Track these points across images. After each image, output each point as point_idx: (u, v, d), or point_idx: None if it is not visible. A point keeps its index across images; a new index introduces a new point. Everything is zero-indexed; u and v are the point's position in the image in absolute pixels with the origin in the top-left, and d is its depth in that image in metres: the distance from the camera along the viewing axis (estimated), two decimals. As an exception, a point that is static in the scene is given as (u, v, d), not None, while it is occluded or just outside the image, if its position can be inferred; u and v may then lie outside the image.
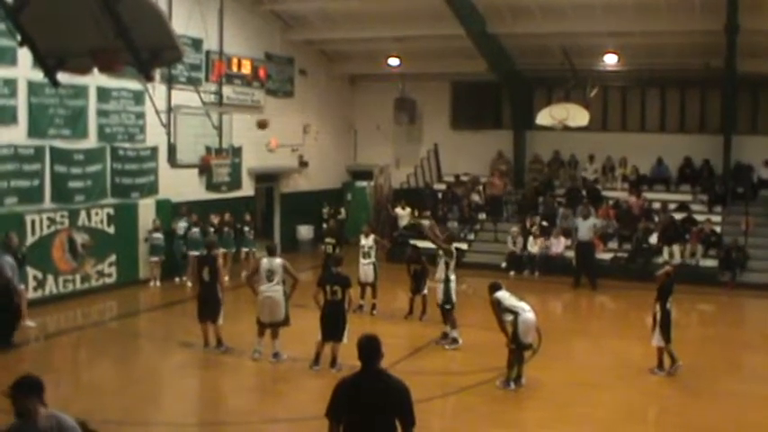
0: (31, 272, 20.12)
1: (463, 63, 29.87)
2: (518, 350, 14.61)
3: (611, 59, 28.40)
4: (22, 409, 7.04)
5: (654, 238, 25.90)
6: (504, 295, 14.81)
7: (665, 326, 15.26)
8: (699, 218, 26.82)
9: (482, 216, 30.00)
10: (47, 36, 7.56)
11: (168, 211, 24.41)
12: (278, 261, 16.27)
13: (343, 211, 32.02)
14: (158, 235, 23.64)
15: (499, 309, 14.67)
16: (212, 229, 24.15)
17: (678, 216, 27.10)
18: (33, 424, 6.98)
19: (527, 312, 14.61)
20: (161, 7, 7.99)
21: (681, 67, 27.67)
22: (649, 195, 28.56)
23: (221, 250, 21.66)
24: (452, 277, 17.47)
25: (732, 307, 23.23)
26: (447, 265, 17.49)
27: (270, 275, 16.11)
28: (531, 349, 15.26)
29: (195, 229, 24.02)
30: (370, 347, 7.79)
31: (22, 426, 7.01)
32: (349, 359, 15.54)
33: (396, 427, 7.50)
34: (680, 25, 24.86)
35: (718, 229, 26.47)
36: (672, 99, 30.52)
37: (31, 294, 19.98)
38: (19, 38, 7.72)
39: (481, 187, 30.69)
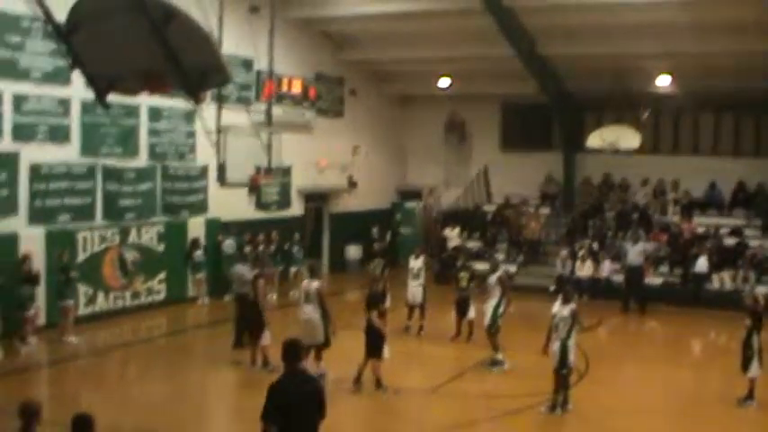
0: (81, 288, 20.35)
1: (513, 84, 29.77)
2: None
3: (663, 81, 28.10)
4: None
5: (702, 263, 25.49)
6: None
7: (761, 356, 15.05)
8: (752, 243, 26.41)
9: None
10: (97, 59, 7.65)
11: (217, 229, 24.60)
12: (315, 285, 16.16)
13: (389, 234, 31.90)
14: (200, 252, 23.81)
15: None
16: (248, 248, 24.25)
17: (730, 241, 26.72)
18: None
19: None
20: (209, 30, 8.04)
21: (735, 89, 27.31)
22: (702, 220, 28.16)
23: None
24: (502, 304, 17.37)
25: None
26: (503, 293, 17.42)
27: (307, 297, 16.08)
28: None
29: (248, 248, 24.21)
30: (292, 349, 8.69)
31: None
32: (391, 379, 15.56)
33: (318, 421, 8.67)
34: (733, 46, 24.55)
35: (772, 254, 26.03)
36: (726, 121, 30.10)
37: (81, 310, 20.25)
38: (70, 61, 7.81)
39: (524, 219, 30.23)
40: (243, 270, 18.39)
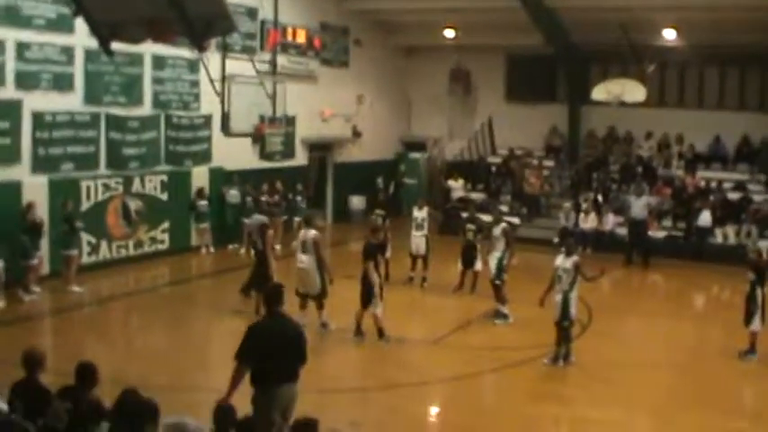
0: (85, 237, 20.36)
1: (519, 36, 29.44)
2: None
3: (669, 34, 27.89)
4: None
5: (705, 217, 25.46)
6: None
7: (764, 309, 15.05)
8: (756, 198, 26.38)
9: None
10: (101, 6, 7.60)
11: (220, 179, 24.59)
12: (311, 234, 16.16)
13: (393, 184, 31.86)
14: (203, 202, 23.81)
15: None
16: (249, 198, 24.22)
17: (734, 195, 26.69)
18: None
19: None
20: (214, -22, 7.96)
21: (741, 43, 27.10)
22: (706, 174, 28.11)
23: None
24: (506, 256, 17.39)
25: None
26: (507, 244, 17.45)
27: (303, 247, 16.08)
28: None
29: (249, 198, 24.23)
30: (274, 294, 8.95)
31: None
32: (394, 329, 15.63)
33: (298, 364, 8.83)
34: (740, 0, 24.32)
35: (776, 209, 26.00)
36: (731, 76, 29.95)
37: (84, 259, 20.29)
38: (73, 8, 7.74)
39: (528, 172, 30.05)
40: (262, 219, 18.47)
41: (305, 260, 16.02)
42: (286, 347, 8.69)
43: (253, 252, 18.05)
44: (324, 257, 16.17)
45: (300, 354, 8.82)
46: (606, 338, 16.48)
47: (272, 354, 8.55)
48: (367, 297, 15.34)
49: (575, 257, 14.44)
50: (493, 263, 17.48)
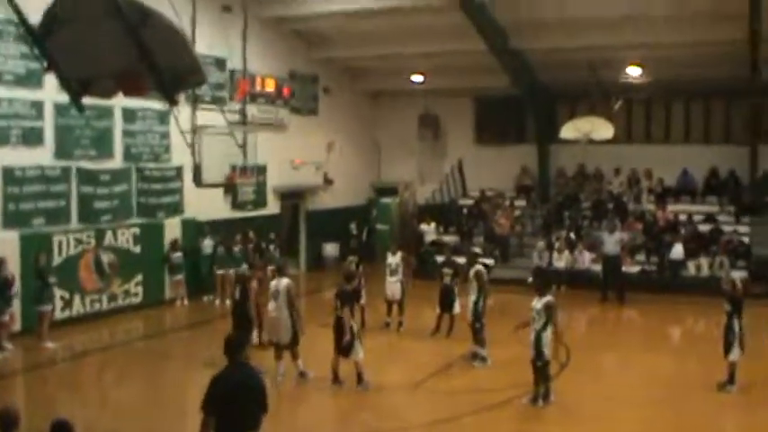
0: (58, 292, 20.19)
1: (486, 78, 29.71)
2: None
3: (634, 72, 28.28)
4: None
5: (678, 250, 25.64)
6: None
7: (743, 339, 15.10)
8: (726, 228, 26.65)
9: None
10: (72, 61, 7.59)
11: (193, 230, 24.51)
12: (284, 282, 16.09)
13: (366, 230, 31.99)
14: (177, 254, 23.73)
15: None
16: (221, 248, 24.20)
17: (704, 227, 26.94)
18: None
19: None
20: (184, 31, 8.00)
21: (705, 78, 27.49)
22: (676, 207, 28.40)
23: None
24: (481, 299, 17.39)
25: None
26: (480, 287, 17.45)
27: (275, 295, 16.03)
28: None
29: (221, 248, 24.16)
30: (233, 343, 8.97)
31: None
32: (373, 375, 15.56)
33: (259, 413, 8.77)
34: (702, 36, 24.62)
35: (746, 239, 26.25)
36: (696, 110, 30.46)
37: (58, 314, 20.14)
38: (45, 63, 7.75)
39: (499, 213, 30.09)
40: (244, 270, 18.56)
41: (275, 309, 15.96)
42: (247, 396, 8.71)
43: (228, 303, 17.98)
44: (297, 307, 16.13)
45: (261, 402, 8.80)
46: (585, 376, 16.45)
47: (234, 403, 8.57)
48: (341, 345, 15.27)
49: (547, 298, 14.42)
50: (470, 306, 17.49)
